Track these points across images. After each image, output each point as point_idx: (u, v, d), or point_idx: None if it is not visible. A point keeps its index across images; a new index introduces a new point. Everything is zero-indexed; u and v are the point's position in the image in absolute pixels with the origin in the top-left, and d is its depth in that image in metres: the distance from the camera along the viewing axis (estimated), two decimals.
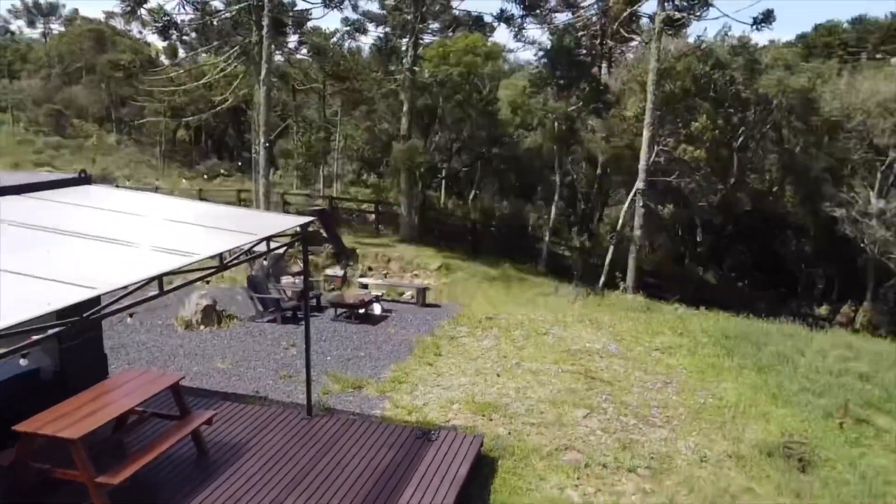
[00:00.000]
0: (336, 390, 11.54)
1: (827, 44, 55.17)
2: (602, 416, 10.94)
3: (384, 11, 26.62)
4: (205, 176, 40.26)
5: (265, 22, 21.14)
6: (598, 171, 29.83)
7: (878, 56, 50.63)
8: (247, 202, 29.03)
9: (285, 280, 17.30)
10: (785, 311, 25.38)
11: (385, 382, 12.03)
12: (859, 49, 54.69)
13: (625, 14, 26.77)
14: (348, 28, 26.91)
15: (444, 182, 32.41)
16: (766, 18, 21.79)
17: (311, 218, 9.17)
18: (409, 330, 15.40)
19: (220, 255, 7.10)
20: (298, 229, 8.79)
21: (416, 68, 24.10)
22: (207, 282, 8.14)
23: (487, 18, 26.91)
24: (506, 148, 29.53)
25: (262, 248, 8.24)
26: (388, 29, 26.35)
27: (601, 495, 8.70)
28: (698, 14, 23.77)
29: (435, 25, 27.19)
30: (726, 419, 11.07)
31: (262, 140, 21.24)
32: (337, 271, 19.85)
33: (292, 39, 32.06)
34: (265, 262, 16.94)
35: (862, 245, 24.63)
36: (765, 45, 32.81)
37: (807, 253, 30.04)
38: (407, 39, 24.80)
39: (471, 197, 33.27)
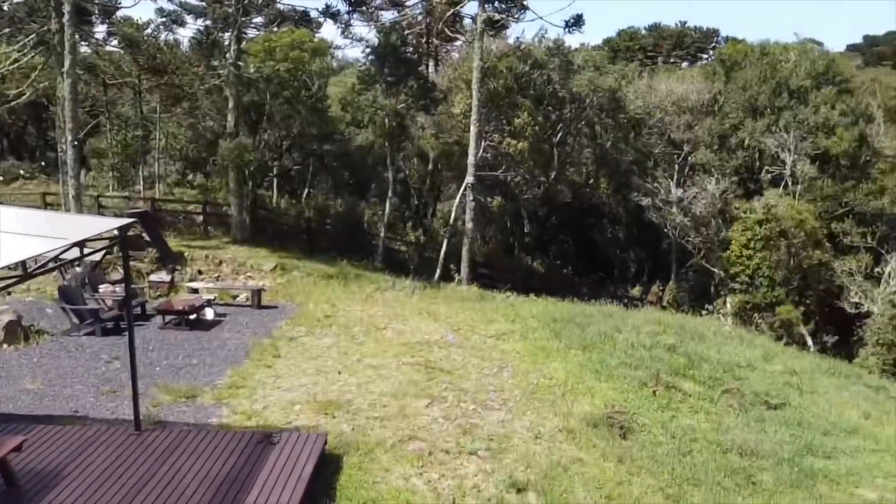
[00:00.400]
0: (167, 402, 10.88)
1: (629, 48, 60.47)
2: (443, 404, 11.24)
3: (203, 3, 25.30)
4: (0, 178, 35.98)
5: (66, 9, 19.30)
6: (430, 166, 30.52)
7: (672, 60, 56.36)
8: (54, 207, 26.44)
9: (104, 288, 15.97)
10: (604, 293, 27.60)
11: (222, 389, 11.53)
12: (656, 53, 60.51)
13: (448, 14, 27.58)
14: (164, 19, 25.32)
15: (275, 180, 31.52)
16: (577, 22, 23.42)
17: (130, 220, 8.56)
18: (245, 333, 14.86)
19: (23, 263, 6.44)
20: (116, 232, 8.19)
21: (241, 63, 23.20)
22: (9, 293, 7.36)
23: (314, 14, 26.53)
24: (338, 145, 29.29)
25: (74, 254, 7.59)
26: (208, 22, 25.08)
27: (445, 480, 8.97)
28: (516, 16, 25.07)
29: (259, 19, 26.32)
30: (557, 397, 11.82)
31: (70, 138, 19.40)
32: (163, 276, 18.67)
33: (100, 29, 29.62)
34: (79, 270, 15.56)
35: (665, 230, 27.27)
36: (577, 48, 35.31)
37: (620, 239, 32.79)
38: (229, 33, 23.79)
39: (304, 195, 32.66)
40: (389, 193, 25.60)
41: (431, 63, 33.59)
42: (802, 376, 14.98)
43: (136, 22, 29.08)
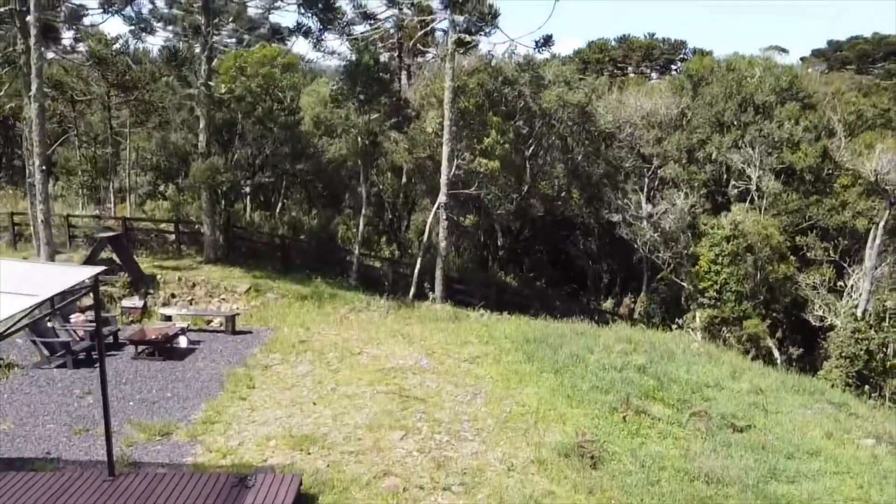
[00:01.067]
0: (142, 440, 10.89)
1: (598, 59, 61.10)
2: (417, 436, 11.39)
3: (173, 11, 25.07)
4: None
5: (33, 31, 19.03)
6: (404, 179, 30.61)
7: (641, 71, 57.12)
8: (21, 226, 26.09)
9: (75, 318, 15.85)
10: (576, 306, 27.94)
11: (196, 424, 11.56)
12: (625, 64, 61.31)
13: (419, 34, 27.79)
14: (133, 27, 25.02)
15: (248, 195, 31.35)
16: (546, 42, 23.71)
17: (101, 268, 8.57)
18: (220, 362, 14.87)
19: None
20: (88, 281, 8.22)
21: (212, 83, 23.09)
22: None
23: (286, 32, 26.46)
24: (311, 162, 29.24)
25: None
26: (178, 29, 24.90)
27: None
28: (487, 31, 25.29)
29: (230, 27, 26.04)
30: (529, 425, 12.03)
31: (38, 162, 19.13)
32: (135, 302, 18.55)
33: (67, 36, 29.18)
34: None
35: (636, 246, 27.65)
36: (547, 60, 35.61)
37: (593, 251, 33.14)
38: (199, 50, 23.63)
39: (278, 208, 32.54)
40: (363, 209, 25.65)
41: (404, 76, 33.69)
42: (768, 395, 15.38)
43: (104, 37, 28.70)
